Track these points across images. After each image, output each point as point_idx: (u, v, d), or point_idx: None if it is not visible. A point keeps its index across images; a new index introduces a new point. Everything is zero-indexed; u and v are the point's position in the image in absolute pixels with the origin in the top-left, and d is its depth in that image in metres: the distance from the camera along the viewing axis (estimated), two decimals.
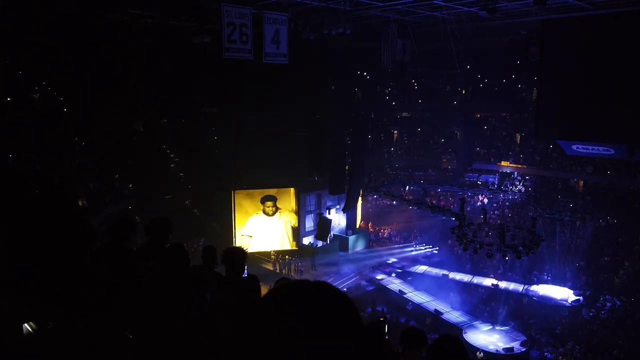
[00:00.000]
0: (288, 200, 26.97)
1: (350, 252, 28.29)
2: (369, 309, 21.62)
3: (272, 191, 26.66)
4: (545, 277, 24.90)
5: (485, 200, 31.17)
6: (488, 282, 24.31)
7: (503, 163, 32.61)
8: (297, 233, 27.08)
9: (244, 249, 4.48)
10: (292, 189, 26.84)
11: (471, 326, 21.15)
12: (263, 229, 26.44)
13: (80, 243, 3.05)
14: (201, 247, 21.55)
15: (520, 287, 23.81)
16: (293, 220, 26.98)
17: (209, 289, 2.47)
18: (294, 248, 26.89)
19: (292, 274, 24.23)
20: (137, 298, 2.75)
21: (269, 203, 26.57)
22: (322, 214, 27.31)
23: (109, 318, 2.53)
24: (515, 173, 32.25)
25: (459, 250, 23.54)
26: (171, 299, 2.41)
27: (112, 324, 2.50)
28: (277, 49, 16.89)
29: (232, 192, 26.03)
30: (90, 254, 3.25)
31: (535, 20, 20.23)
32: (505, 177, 32.65)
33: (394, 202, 28.93)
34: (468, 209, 26.19)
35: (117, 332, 2.46)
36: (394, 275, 25.56)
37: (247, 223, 26.25)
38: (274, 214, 26.66)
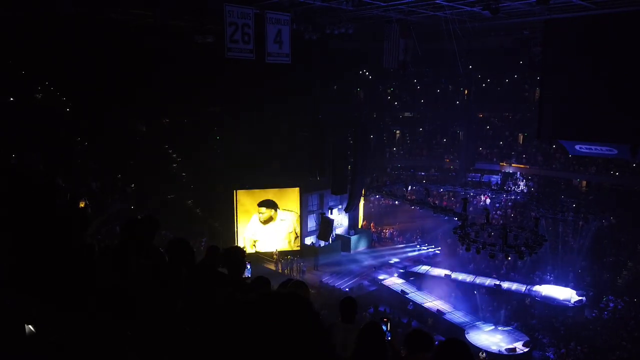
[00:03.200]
0: (294, 199, 26.91)
1: (352, 252, 28.29)
2: (371, 309, 21.58)
3: (274, 191, 26.59)
4: (548, 277, 24.85)
5: (488, 201, 31.11)
6: (490, 282, 24.26)
7: (506, 163, 32.57)
8: (298, 233, 27.06)
9: (243, 248, 4.51)
10: (297, 189, 26.72)
11: (473, 326, 21.11)
12: (265, 229, 26.46)
13: (71, 227, 3.05)
14: (203, 247, 21.55)
15: (522, 288, 23.76)
16: (295, 219, 26.88)
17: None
18: (295, 248, 26.88)
19: (295, 274, 24.20)
20: (134, 295, 2.74)
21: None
22: (325, 214, 27.31)
23: (109, 317, 2.53)
24: (518, 173, 32.20)
25: (462, 251, 23.48)
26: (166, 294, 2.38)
27: (112, 322, 2.49)
28: (280, 49, 16.88)
29: (235, 191, 26.02)
30: (82, 238, 3.23)
31: (538, 20, 20.19)
32: (508, 177, 32.59)
33: (396, 202, 28.90)
34: (470, 209, 26.12)
35: (117, 331, 2.45)
36: (396, 275, 25.53)
37: (251, 221, 26.24)
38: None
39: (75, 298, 2.59)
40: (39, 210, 2.94)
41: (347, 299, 5.12)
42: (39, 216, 3.00)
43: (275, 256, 25.88)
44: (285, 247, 26.69)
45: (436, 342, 3.78)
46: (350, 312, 4.99)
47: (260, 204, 26.25)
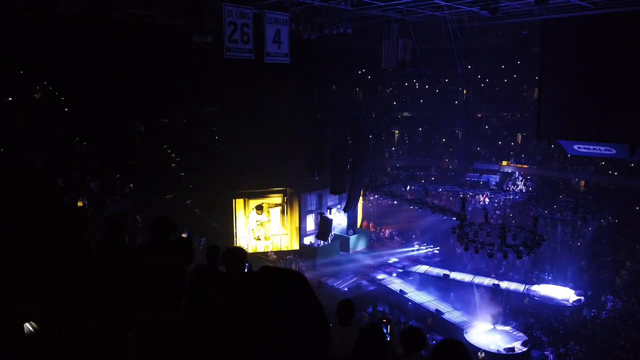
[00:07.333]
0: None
1: (351, 252, 28.29)
2: (370, 309, 21.60)
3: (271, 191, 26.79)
4: (547, 277, 24.89)
5: (487, 200, 31.14)
6: (489, 282, 24.29)
7: (504, 163, 32.62)
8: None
9: (244, 249, 4.50)
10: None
11: (472, 326, 21.14)
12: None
13: (70, 227, 3.06)
14: (202, 247, 21.57)
15: (521, 287, 23.79)
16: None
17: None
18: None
19: None
20: (135, 294, 2.75)
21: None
22: (323, 213, 27.30)
23: (109, 316, 2.53)
24: (517, 173, 32.25)
25: (460, 250, 23.51)
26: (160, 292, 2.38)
27: (113, 322, 2.49)
28: (279, 49, 16.87)
29: (234, 199, 26.08)
30: (82, 235, 3.25)
31: (536, 20, 20.21)
32: (507, 177, 32.64)
33: (395, 202, 28.89)
34: (469, 208, 26.16)
35: (118, 331, 2.46)
36: (395, 275, 25.54)
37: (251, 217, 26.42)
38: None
39: (74, 297, 2.60)
40: (37, 212, 2.95)
41: (344, 302, 5.09)
42: (36, 217, 3.01)
43: (274, 257, 25.88)
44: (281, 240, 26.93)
45: (435, 342, 3.81)
46: (347, 315, 4.96)
47: (257, 209, 26.64)
